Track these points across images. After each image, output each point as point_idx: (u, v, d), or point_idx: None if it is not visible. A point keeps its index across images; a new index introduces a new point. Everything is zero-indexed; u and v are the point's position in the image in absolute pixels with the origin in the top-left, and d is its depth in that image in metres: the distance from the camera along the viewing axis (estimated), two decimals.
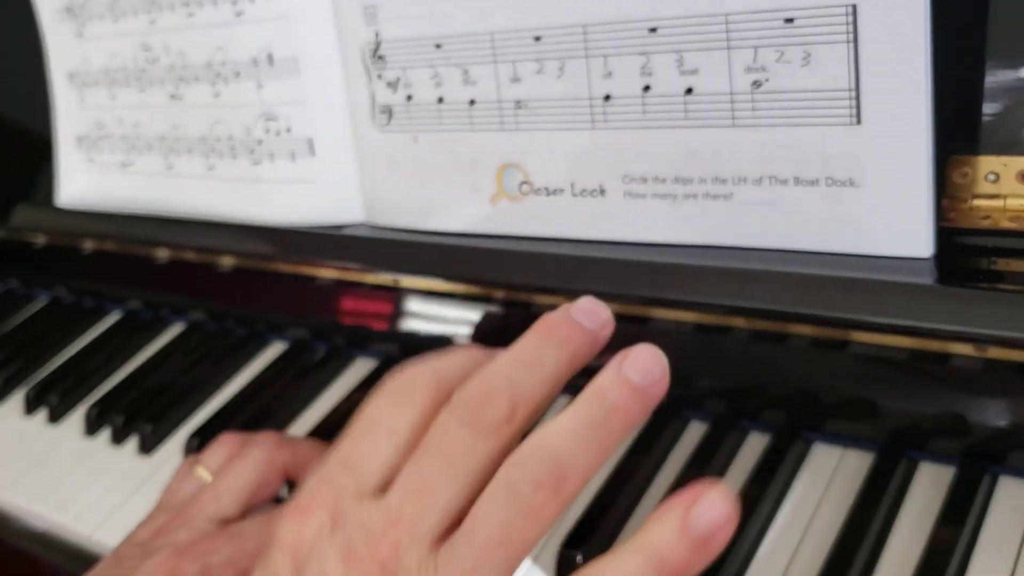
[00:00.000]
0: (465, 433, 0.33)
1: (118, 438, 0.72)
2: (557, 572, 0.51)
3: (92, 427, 0.74)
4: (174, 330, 0.84)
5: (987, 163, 0.46)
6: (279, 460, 0.54)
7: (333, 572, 0.33)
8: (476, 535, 0.32)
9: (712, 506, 0.32)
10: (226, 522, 0.52)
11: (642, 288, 0.54)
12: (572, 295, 0.59)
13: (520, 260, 0.58)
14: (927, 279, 0.47)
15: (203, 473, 0.56)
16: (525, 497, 0.31)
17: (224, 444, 0.57)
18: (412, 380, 0.36)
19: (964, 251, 0.47)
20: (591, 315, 0.39)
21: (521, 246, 0.59)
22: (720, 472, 0.55)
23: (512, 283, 0.60)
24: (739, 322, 0.53)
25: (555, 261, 0.57)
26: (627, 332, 0.58)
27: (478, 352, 0.39)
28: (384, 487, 0.35)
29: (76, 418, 0.76)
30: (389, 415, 0.35)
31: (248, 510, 0.54)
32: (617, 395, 0.34)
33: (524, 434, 0.35)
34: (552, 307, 0.62)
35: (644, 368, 0.36)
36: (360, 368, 0.72)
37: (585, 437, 0.33)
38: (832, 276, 0.48)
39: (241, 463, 0.54)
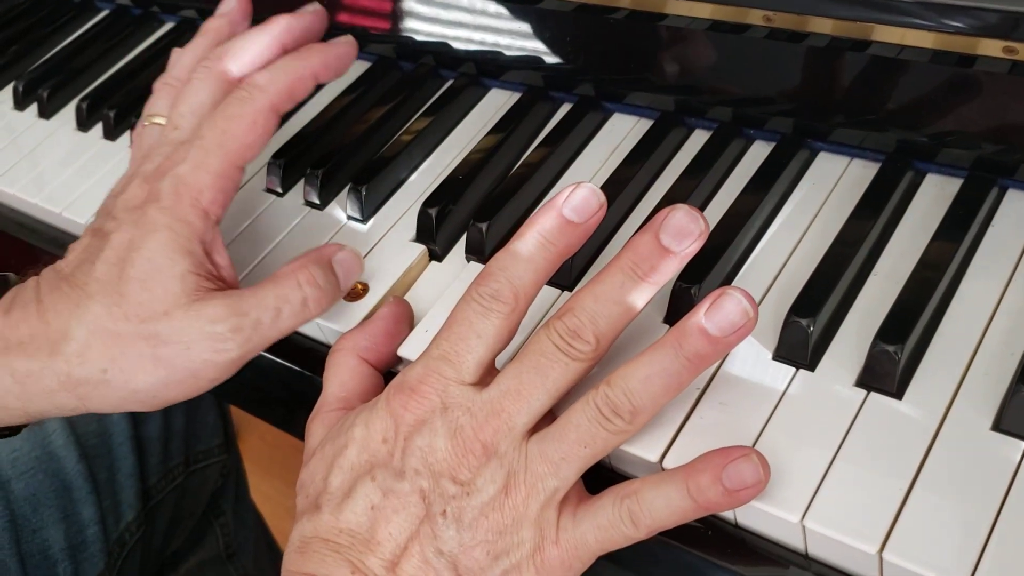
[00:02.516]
0: (559, 355, 0.40)
1: (110, 133, 0.71)
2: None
3: (84, 122, 0.73)
4: (165, 27, 0.80)
5: None
6: (221, 73, 0.52)
7: (443, 446, 0.41)
8: (567, 436, 0.40)
9: (750, 470, 0.38)
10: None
11: None
12: None
13: None
14: None
15: (156, 119, 0.54)
16: (606, 417, 0.39)
17: (158, 89, 0.56)
18: (496, 292, 0.41)
19: None
20: (681, 235, 0.40)
21: None
22: (721, 177, 0.54)
23: None
24: (756, 17, 0.50)
25: None
26: (642, 33, 0.55)
27: (543, 260, 0.42)
28: (479, 380, 0.42)
29: (68, 113, 0.75)
30: (478, 322, 0.42)
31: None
32: (694, 346, 0.39)
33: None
34: None
35: (722, 316, 0.39)
36: (356, 68, 0.69)
37: (658, 383, 0.39)
38: None
39: (188, 88, 0.52)
